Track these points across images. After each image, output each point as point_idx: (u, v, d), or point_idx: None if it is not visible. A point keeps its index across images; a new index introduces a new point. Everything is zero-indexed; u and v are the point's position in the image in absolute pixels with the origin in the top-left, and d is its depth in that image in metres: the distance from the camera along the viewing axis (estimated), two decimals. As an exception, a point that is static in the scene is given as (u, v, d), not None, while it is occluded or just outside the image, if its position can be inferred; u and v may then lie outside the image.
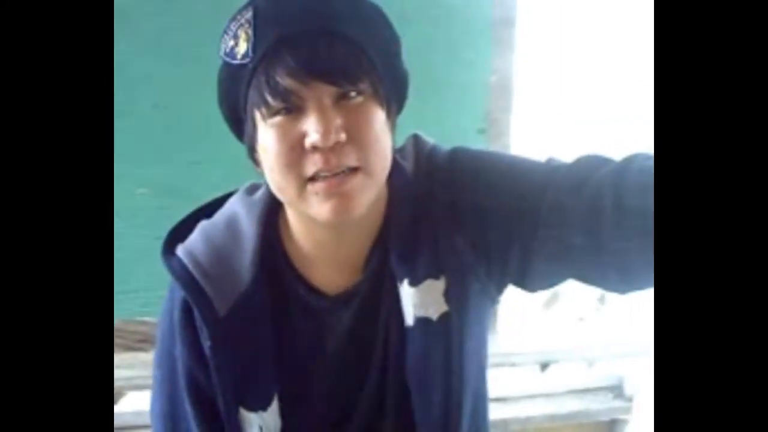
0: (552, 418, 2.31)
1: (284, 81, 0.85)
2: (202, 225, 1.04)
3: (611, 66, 2.26)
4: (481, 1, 1.81)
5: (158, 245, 1.02)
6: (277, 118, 0.87)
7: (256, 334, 1.00)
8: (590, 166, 0.94)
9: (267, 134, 0.89)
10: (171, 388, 1.04)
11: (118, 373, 1.87)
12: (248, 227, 1.01)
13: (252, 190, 1.06)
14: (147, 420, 1.11)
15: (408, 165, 1.02)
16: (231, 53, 0.89)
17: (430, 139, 1.05)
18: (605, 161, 0.94)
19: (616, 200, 0.88)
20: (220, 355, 0.98)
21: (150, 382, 1.09)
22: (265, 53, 0.86)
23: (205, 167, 1.73)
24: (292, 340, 1.03)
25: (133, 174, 1.76)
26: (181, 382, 1.02)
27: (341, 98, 0.87)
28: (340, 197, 0.88)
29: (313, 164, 0.87)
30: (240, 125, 0.94)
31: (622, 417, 2.38)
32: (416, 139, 1.05)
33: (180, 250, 1.01)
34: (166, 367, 1.04)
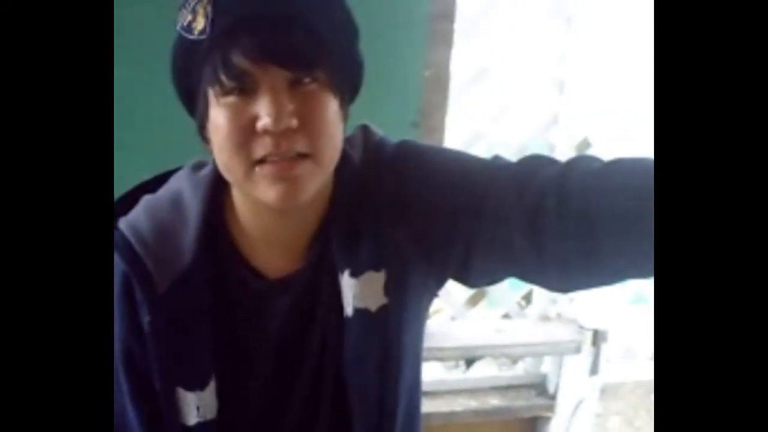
0: (475, 413, 2.33)
1: (239, 62, 0.84)
2: (146, 199, 1.02)
3: (549, 62, 2.28)
4: (420, -6, 1.81)
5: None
6: (230, 98, 0.87)
7: (194, 312, 0.99)
8: (535, 166, 0.94)
9: (219, 113, 0.88)
10: None
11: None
12: (192, 205, 1.00)
13: (198, 167, 1.05)
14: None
15: (356, 155, 1.01)
16: (188, 28, 0.88)
17: (378, 131, 1.05)
18: (550, 162, 0.95)
19: (559, 201, 0.88)
20: (158, 331, 0.97)
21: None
22: (223, 32, 0.85)
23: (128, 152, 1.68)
24: (230, 321, 1.02)
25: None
26: (118, 357, 1.00)
27: (295, 84, 0.87)
28: (288, 182, 0.88)
29: (262, 147, 0.87)
30: (192, 100, 0.93)
31: (544, 414, 2.41)
32: (365, 129, 1.05)
33: (122, 224, 0.99)
34: None
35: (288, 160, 0.87)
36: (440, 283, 1.05)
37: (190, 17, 0.88)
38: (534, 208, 0.90)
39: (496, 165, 0.98)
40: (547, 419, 2.41)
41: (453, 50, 1.93)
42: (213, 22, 0.85)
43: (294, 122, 0.86)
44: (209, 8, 0.86)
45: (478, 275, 1.02)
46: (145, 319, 0.97)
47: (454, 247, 0.98)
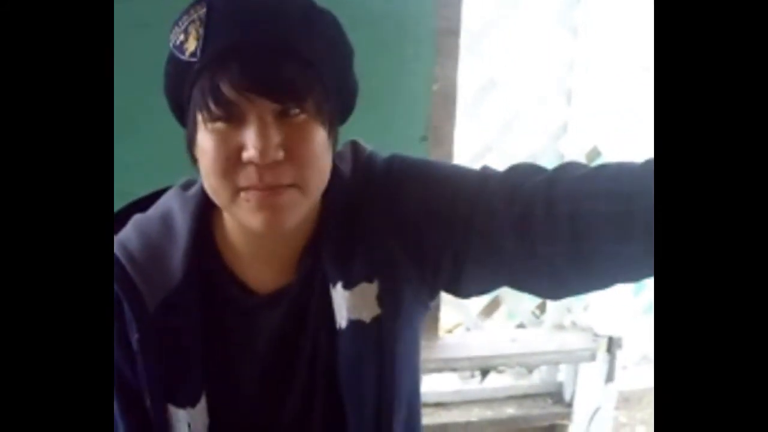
0: (491, 423, 2.33)
1: (228, 91, 0.83)
2: (136, 218, 1.02)
3: (556, 72, 2.29)
4: (425, 10, 1.83)
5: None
6: (218, 125, 0.86)
7: (184, 330, 0.99)
8: (523, 174, 0.95)
9: (206, 138, 0.87)
10: None
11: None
12: (182, 223, 1.00)
13: (187, 186, 1.05)
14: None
15: (345, 169, 1.02)
16: (180, 48, 0.87)
17: (367, 146, 1.05)
18: (538, 170, 0.96)
19: (547, 207, 0.89)
20: (148, 349, 0.97)
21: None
22: (213, 58, 0.84)
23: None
24: (221, 338, 1.02)
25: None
26: None
27: (283, 114, 0.86)
28: (272, 210, 0.88)
29: (246, 178, 0.86)
30: (182, 114, 0.93)
31: (561, 422, 2.41)
32: (354, 144, 1.05)
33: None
34: None
35: (273, 188, 0.87)
36: (433, 294, 1.05)
37: (182, 37, 0.87)
38: (523, 214, 0.91)
39: (485, 174, 0.99)
40: (564, 427, 2.41)
41: (460, 64, 1.95)
42: (204, 46, 0.85)
43: (280, 155, 0.85)
44: (201, 30, 0.85)
45: (469, 285, 1.02)
46: (134, 336, 0.97)
47: (445, 257, 0.98)
